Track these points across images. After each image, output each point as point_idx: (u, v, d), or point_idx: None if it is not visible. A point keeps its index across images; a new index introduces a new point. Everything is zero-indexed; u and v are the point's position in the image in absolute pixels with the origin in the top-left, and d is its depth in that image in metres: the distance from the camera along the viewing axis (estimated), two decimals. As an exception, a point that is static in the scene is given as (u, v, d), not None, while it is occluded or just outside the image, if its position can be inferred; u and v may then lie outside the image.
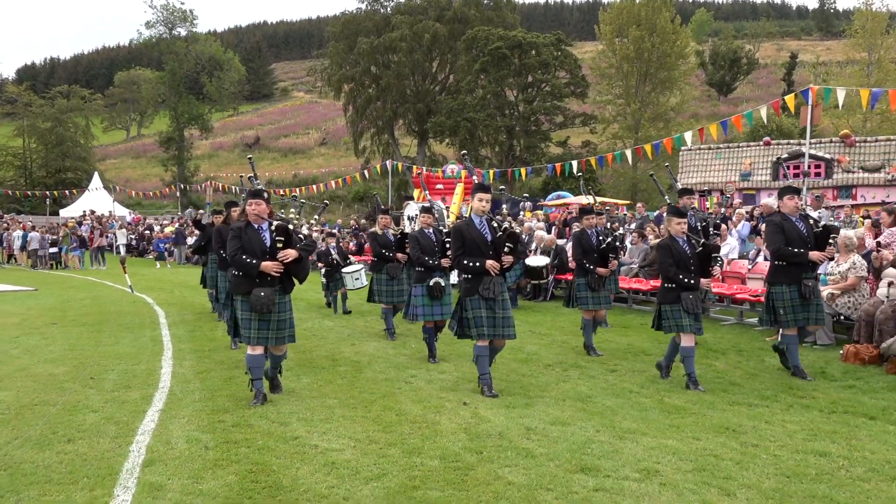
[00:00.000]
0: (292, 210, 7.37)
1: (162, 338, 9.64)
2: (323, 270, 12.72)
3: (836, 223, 11.12)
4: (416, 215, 11.06)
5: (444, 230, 8.27)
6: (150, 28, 52.14)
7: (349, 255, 13.69)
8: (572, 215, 18.88)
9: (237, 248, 5.89)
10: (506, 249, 6.21)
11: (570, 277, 13.33)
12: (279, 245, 5.90)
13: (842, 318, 8.52)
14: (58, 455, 4.69)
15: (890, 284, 7.98)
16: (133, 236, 33.08)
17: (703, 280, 6.68)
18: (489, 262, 6.16)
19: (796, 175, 20.02)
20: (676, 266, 6.61)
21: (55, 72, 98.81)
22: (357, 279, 11.80)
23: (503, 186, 9.47)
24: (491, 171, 25.87)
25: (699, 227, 8.12)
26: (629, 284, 12.34)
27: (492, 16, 42.46)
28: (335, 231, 20.13)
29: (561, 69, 38.35)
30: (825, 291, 8.36)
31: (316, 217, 8.66)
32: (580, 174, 14.33)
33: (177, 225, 31.91)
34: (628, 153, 20.64)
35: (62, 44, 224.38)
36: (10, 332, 10.14)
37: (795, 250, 6.71)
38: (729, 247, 12.31)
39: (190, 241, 27.77)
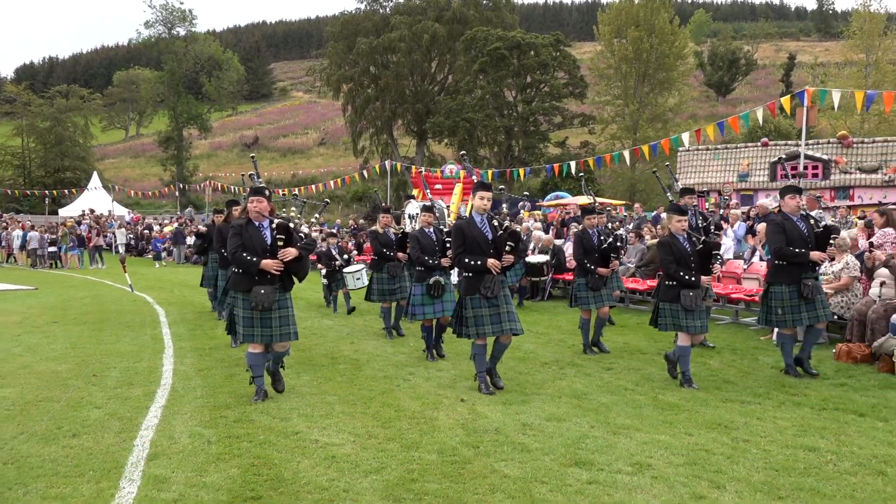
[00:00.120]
0: (293, 208, 7.44)
1: (163, 336, 9.73)
2: (323, 271, 12.77)
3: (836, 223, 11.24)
4: (417, 214, 11.12)
5: (445, 229, 8.28)
6: (149, 28, 52.27)
7: (351, 256, 13.73)
8: (570, 215, 18.99)
9: (238, 245, 5.92)
10: (507, 248, 6.24)
11: (567, 277, 13.47)
12: (280, 243, 5.93)
13: (835, 317, 8.62)
14: (63, 449, 4.79)
15: (882, 284, 8.09)
16: (131, 235, 33.15)
17: (703, 277, 6.69)
18: (490, 261, 6.19)
19: (794, 176, 20.12)
20: (677, 263, 6.64)
21: (54, 71, 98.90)
22: (358, 279, 11.83)
23: (503, 186, 9.55)
24: (489, 172, 25.98)
25: (700, 227, 8.16)
26: (626, 284, 12.43)
27: (491, 16, 42.58)
28: (335, 230, 20.19)
29: (560, 70, 38.46)
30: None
31: (317, 215, 8.72)
32: (581, 174, 14.42)
33: (176, 225, 31.97)
34: (626, 154, 20.75)
35: (61, 43, 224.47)
36: (11, 330, 10.23)
37: (796, 250, 6.71)
38: (724, 247, 12.41)
39: (190, 240, 27.88)
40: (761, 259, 11.25)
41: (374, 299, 9.62)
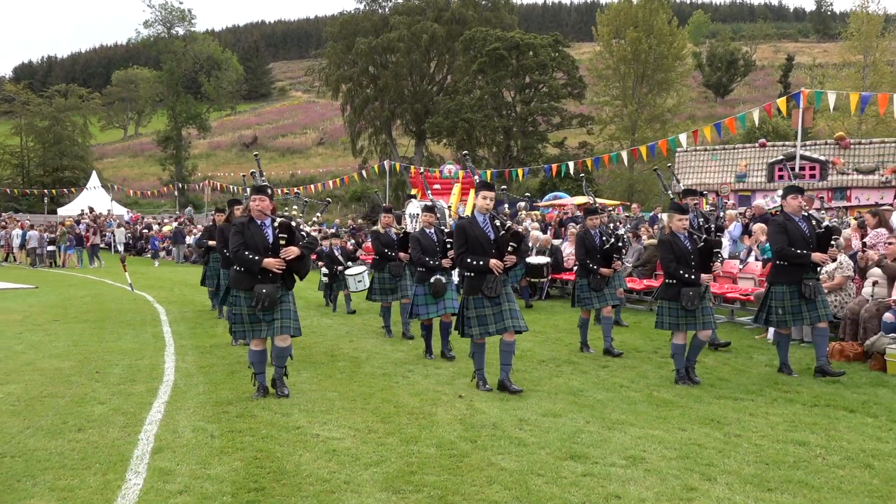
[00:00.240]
0: (295, 207, 7.52)
1: (164, 334, 9.83)
2: (324, 269, 12.76)
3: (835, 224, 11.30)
4: (418, 214, 11.15)
5: (446, 230, 8.27)
6: (148, 27, 52.42)
7: (356, 256, 13.64)
8: (568, 216, 19.09)
9: (239, 243, 5.96)
10: (509, 249, 6.24)
11: (565, 277, 13.58)
12: (282, 242, 5.98)
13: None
14: (70, 443, 4.89)
15: (875, 284, 8.21)
16: (129, 234, 33.24)
17: (703, 276, 6.72)
18: (493, 262, 6.18)
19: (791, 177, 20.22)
20: (677, 262, 6.69)
21: (52, 70, 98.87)
22: (360, 281, 11.62)
23: (504, 186, 9.62)
24: (489, 172, 26.10)
25: (702, 228, 8.17)
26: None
27: (490, 16, 42.69)
28: (334, 230, 20.26)
29: (558, 70, 38.57)
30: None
31: (319, 214, 8.78)
32: (582, 175, 14.53)
33: (175, 224, 32.06)
34: (624, 154, 20.88)
35: (60, 43, 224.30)
36: (13, 328, 10.31)
37: (798, 251, 6.74)
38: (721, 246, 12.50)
39: (189, 239, 27.98)
40: (757, 259, 11.36)
41: (376, 299, 9.66)
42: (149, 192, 46.59)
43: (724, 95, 56.63)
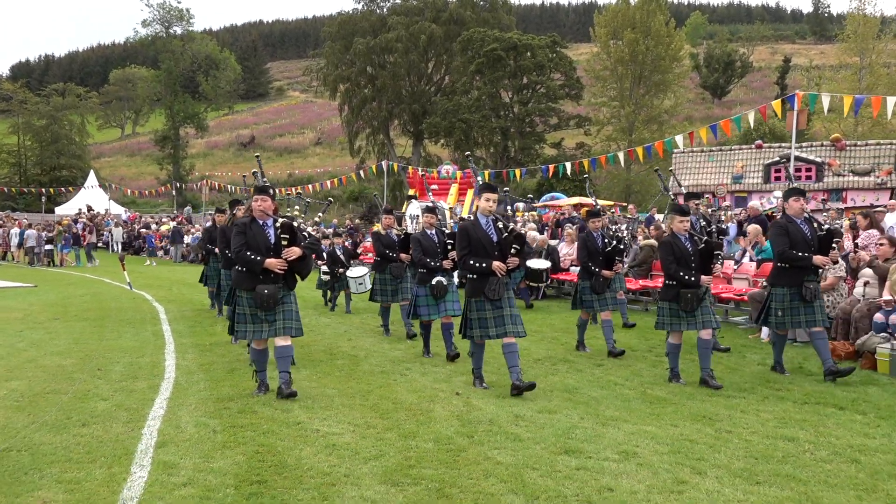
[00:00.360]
0: (296, 207, 7.61)
1: (163, 333, 9.92)
2: (324, 268, 12.65)
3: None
4: (418, 215, 11.19)
5: (446, 231, 8.28)
6: (146, 26, 52.48)
7: (359, 257, 13.62)
8: (564, 216, 19.22)
9: (241, 244, 6.01)
10: (512, 251, 6.25)
11: (561, 277, 13.70)
12: (283, 242, 6.02)
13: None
14: (74, 437, 4.98)
15: (866, 284, 8.34)
16: (125, 233, 33.29)
17: (703, 277, 6.75)
18: (496, 264, 6.17)
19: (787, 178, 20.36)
20: (677, 263, 6.73)
21: (50, 69, 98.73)
22: (361, 283, 11.46)
23: (507, 188, 9.69)
24: (486, 172, 26.20)
25: (703, 230, 8.22)
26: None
27: (487, 17, 42.80)
28: (332, 229, 20.32)
29: (556, 71, 38.71)
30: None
31: (320, 214, 8.86)
32: (585, 175, 14.60)
33: (173, 224, 32.12)
34: (620, 155, 21.00)
35: (58, 41, 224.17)
36: (14, 326, 10.40)
37: (800, 254, 6.78)
38: (717, 247, 12.61)
39: (188, 238, 28.06)
40: (751, 259, 11.48)
41: (377, 300, 9.71)
42: (146, 192, 46.61)
43: (721, 97, 56.83)
